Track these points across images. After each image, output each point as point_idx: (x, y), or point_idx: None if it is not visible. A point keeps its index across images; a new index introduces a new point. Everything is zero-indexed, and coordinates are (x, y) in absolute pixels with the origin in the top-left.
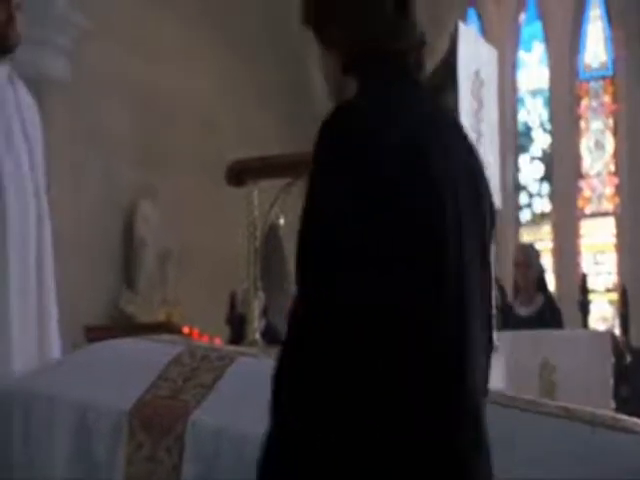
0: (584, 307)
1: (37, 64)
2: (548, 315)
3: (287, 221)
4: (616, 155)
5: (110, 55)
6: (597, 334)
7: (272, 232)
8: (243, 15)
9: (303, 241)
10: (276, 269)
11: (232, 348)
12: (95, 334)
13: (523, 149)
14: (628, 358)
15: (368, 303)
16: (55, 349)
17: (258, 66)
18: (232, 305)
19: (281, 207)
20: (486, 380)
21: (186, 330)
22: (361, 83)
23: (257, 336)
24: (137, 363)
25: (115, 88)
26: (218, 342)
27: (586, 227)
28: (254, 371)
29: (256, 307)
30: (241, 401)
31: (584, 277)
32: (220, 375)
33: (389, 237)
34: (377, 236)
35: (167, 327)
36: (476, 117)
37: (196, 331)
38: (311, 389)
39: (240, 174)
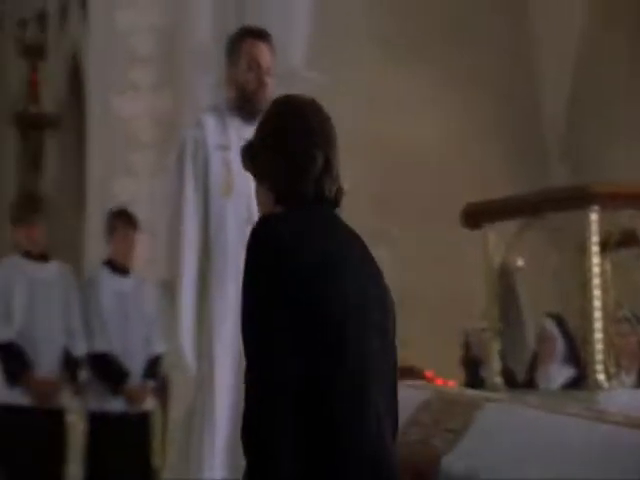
0: None
1: None
2: None
3: (524, 262)
4: None
5: (344, 108)
6: None
7: (507, 274)
8: (465, 53)
9: (242, 334)
10: (511, 311)
11: (479, 393)
12: None
13: None
14: None
15: (284, 378)
16: None
17: (483, 104)
18: (467, 347)
19: (517, 248)
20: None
21: (428, 374)
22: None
23: (498, 379)
24: None
25: (348, 139)
26: (452, 385)
27: None
28: (503, 417)
29: (496, 349)
30: (491, 447)
31: None
32: (469, 420)
33: (297, 326)
34: (287, 325)
35: (410, 372)
36: None
37: (436, 376)
38: (255, 436)
39: (475, 216)
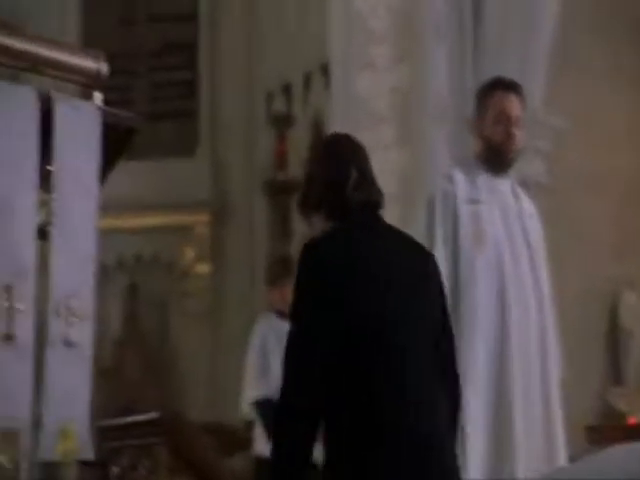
0: None
1: (520, 168)
2: None
3: None
4: None
5: (587, 151)
6: None
7: None
8: None
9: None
10: None
11: None
12: (592, 434)
13: None
14: None
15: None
16: (561, 452)
17: None
18: None
19: None
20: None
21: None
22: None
23: None
24: None
25: (594, 182)
26: None
27: None
28: None
29: None
30: None
31: None
32: None
33: (335, 321)
34: (327, 319)
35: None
36: None
37: None
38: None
39: None
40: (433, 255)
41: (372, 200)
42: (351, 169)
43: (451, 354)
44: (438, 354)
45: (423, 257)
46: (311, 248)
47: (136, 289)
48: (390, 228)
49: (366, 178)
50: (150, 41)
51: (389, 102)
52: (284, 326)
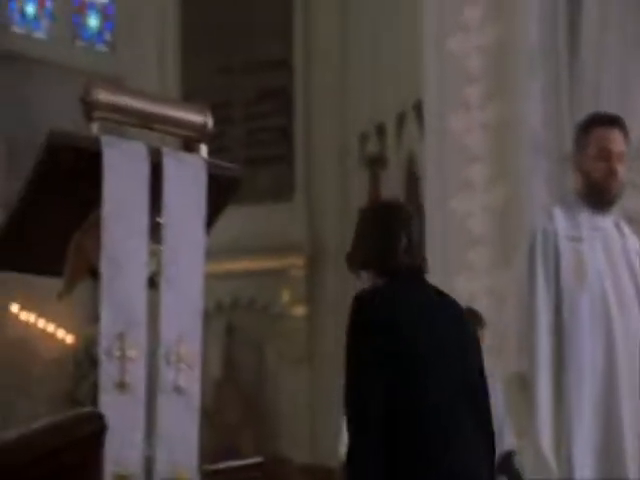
0: None
1: (624, 203)
2: None
3: None
4: None
5: None
6: None
7: None
8: None
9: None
10: None
11: None
12: None
13: None
14: None
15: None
16: None
17: None
18: None
19: None
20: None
21: None
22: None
23: None
24: None
25: None
26: None
27: None
28: None
29: None
30: None
31: None
32: None
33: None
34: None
35: None
36: None
37: None
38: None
39: None
40: (470, 321)
41: (418, 264)
42: (402, 236)
43: (487, 412)
44: (476, 410)
45: (463, 319)
46: (364, 301)
47: (233, 331)
48: (434, 289)
49: (414, 245)
50: (245, 89)
51: (483, 140)
52: None
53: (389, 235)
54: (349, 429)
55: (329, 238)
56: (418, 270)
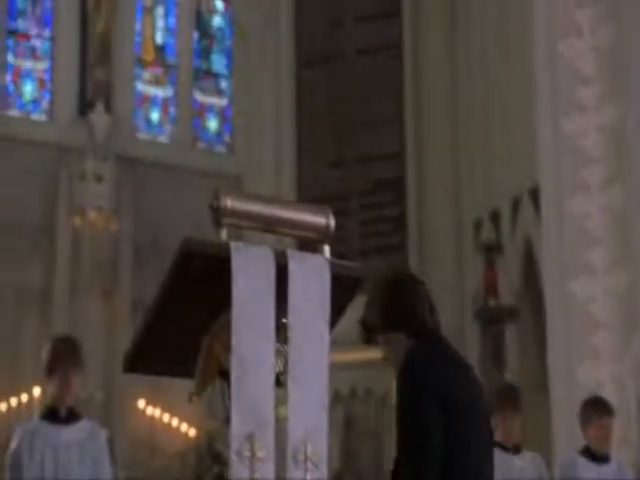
0: None
1: None
2: None
3: None
4: None
5: None
6: None
7: None
8: None
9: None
10: None
11: None
12: None
13: None
14: None
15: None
16: None
17: None
18: None
19: None
20: None
21: None
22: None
23: None
24: None
25: None
26: None
27: None
28: None
29: None
30: None
31: None
32: None
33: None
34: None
35: None
36: None
37: None
38: None
39: None
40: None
41: (439, 324)
42: (424, 298)
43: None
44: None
45: (477, 376)
46: (416, 359)
47: (352, 422)
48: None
49: (433, 306)
50: (359, 180)
51: (603, 223)
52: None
53: (416, 298)
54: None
55: (446, 324)
56: (440, 330)
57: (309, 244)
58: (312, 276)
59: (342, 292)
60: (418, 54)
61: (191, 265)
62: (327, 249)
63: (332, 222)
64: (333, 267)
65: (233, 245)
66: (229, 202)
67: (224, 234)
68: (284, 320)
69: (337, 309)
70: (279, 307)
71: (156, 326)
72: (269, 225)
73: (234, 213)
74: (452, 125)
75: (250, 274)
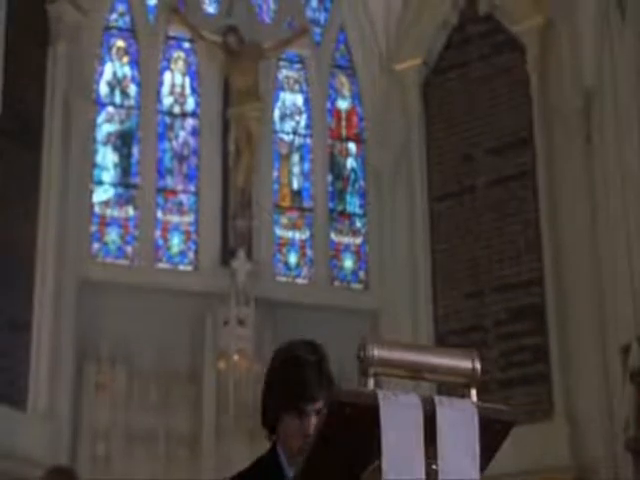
0: None
1: None
2: None
3: None
4: None
5: None
6: None
7: None
8: None
9: None
10: None
11: None
12: None
13: None
14: None
15: None
16: None
17: None
18: None
19: None
20: None
21: None
22: None
23: None
24: None
25: None
26: None
27: None
28: None
29: None
30: None
31: None
32: None
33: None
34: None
35: None
36: None
37: None
38: None
39: None
40: None
41: None
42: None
43: None
44: None
45: None
46: None
47: None
48: None
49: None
50: (497, 310)
51: None
52: None
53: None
54: None
55: (595, 457)
56: None
57: (455, 388)
58: (460, 421)
59: (492, 436)
60: (553, 180)
61: (343, 415)
62: (474, 393)
63: (478, 365)
64: (482, 411)
65: (380, 394)
66: (376, 352)
67: (371, 383)
68: (434, 466)
69: (487, 453)
70: (427, 453)
71: (310, 476)
72: (416, 372)
73: (380, 362)
74: (591, 248)
75: (398, 422)
